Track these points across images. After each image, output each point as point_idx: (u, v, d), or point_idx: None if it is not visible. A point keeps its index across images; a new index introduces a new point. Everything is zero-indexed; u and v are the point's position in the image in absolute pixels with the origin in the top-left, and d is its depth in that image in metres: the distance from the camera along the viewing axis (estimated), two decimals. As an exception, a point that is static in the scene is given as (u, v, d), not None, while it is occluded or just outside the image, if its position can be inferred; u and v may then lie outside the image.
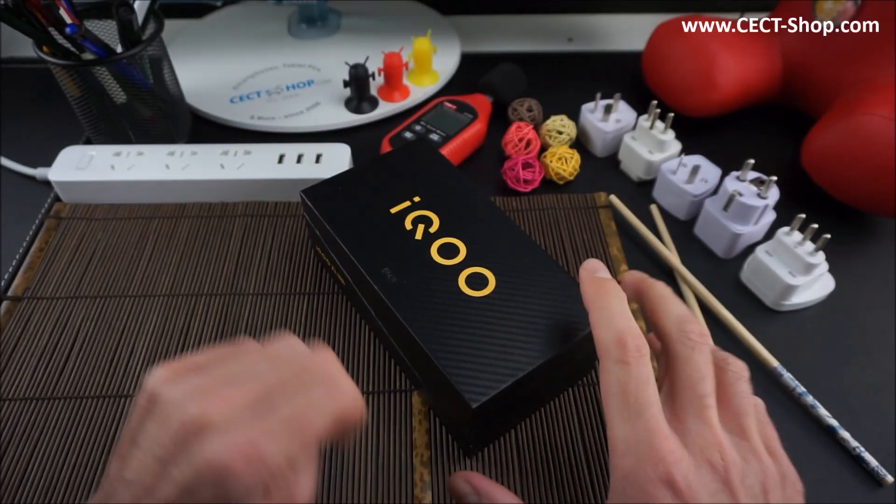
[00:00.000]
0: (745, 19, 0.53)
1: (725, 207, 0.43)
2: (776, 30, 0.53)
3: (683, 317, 0.26)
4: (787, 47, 0.52)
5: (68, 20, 0.43)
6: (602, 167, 0.52)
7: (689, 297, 0.42)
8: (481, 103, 0.53)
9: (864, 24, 0.47)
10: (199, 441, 0.19)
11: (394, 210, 0.36)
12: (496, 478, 0.33)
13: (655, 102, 0.48)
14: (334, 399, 0.22)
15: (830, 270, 0.41)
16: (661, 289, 0.28)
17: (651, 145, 0.49)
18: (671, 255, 0.43)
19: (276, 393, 0.21)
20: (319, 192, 0.38)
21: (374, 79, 0.55)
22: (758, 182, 0.42)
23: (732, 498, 0.22)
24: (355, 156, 0.49)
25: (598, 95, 0.52)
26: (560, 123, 0.51)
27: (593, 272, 0.28)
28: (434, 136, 0.49)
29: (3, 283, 0.41)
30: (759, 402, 0.27)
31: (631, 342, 0.24)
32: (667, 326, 0.26)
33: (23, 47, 0.61)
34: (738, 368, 0.26)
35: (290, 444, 0.20)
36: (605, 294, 0.26)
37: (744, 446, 0.24)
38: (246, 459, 0.19)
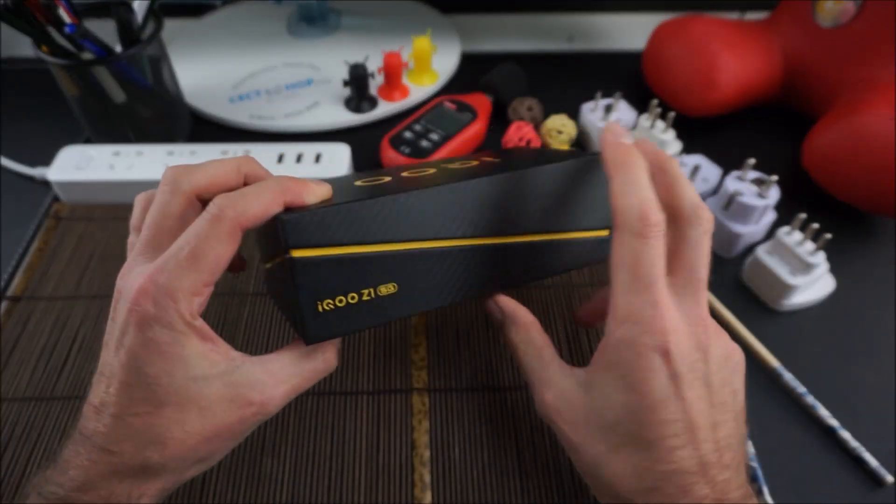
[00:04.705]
0: (746, 19, 0.53)
1: (726, 207, 0.43)
2: (776, 30, 0.52)
3: (698, 201, 0.26)
4: (787, 47, 0.52)
5: (67, 20, 0.43)
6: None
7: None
8: (481, 103, 0.53)
9: (865, 24, 0.47)
10: (118, 302, 0.24)
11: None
12: (495, 478, 0.33)
13: (656, 102, 0.48)
14: (220, 224, 0.24)
15: (831, 270, 0.41)
16: (677, 167, 0.27)
17: (651, 145, 0.49)
18: (671, 255, 0.43)
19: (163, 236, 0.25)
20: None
21: (373, 78, 0.55)
22: (758, 182, 0.42)
23: (706, 366, 0.24)
24: (355, 155, 0.49)
25: (599, 95, 0.52)
26: (560, 123, 0.51)
27: (617, 136, 0.27)
28: (434, 136, 0.49)
29: (2, 283, 0.41)
30: None
31: (653, 217, 0.24)
32: (683, 207, 0.26)
33: (23, 47, 0.61)
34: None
35: (185, 272, 0.23)
36: (629, 161, 0.26)
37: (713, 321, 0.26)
38: (144, 294, 0.23)
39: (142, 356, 0.23)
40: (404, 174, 0.32)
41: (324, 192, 0.26)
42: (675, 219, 0.26)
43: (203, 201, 0.26)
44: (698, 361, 0.24)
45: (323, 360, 0.28)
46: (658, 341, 0.23)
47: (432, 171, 0.33)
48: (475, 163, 0.34)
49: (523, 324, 0.30)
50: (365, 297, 0.26)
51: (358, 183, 0.30)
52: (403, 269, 0.27)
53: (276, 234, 0.25)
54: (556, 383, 0.27)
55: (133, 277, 0.24)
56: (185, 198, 0.25)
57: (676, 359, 0.23)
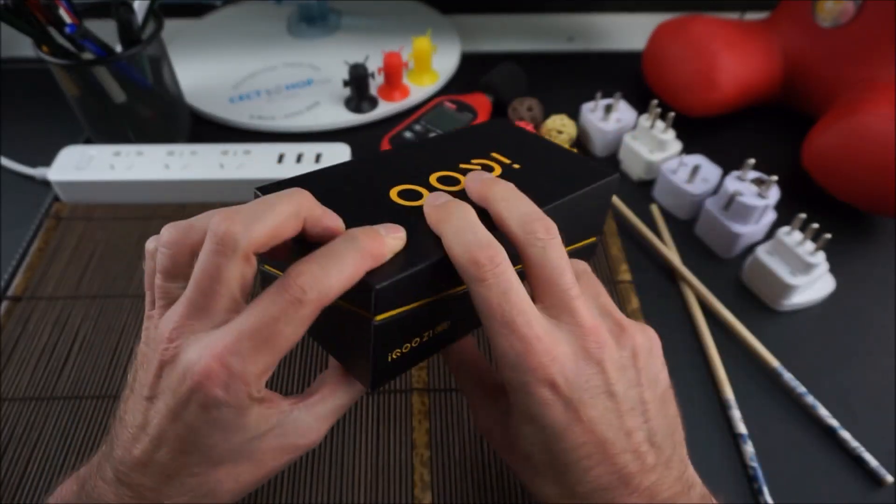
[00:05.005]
0: (746, 19, 0.53)
1: (726, 207, 0.43)
2: (776, 30, 0.52)
3: (527, 215, 0.25)
4: (787, 47, 0.52)
5: (68, 20, 0.43)
6: (602, 167, 0.52)
7: (690, 297, 0.41)
8: (481, 103, 0.53)
9: (864, 24, 0.47)
10: (173, 369, 0.22)
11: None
12: (495, 478, 0.33)
13: (656, 102, 0.48)
14: (295, 302, 0.21)
15: (831, 270, 0.41)
16: (501, 190, 0.26)
17: (651, 145, 0.49)
18: (672, 255, 0.43)
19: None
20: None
21: (373, 78, 0.55)
22: (758, 182, 0.42)
23: (605, 377, 0.23)
24: (355, 155, 0.49)
25: (599, 95, 0.52)
26: (560, 123, 0.51)
27: (433, 204, 0.26)
28: (434, 136, 0.49)
29: (3, 283, 0.41)
30: (587, 266, 0.28)
31: (481, 257, 0.23)
32: (513, 230, 0.25)
33: (23, 47, 0.61)
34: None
35: (259, 356, 0.21)
36: (446, 216, 0.25)
37: (608, 321, 0.25)
38: (212, 378, 0.21)
39: (203, 431, 0.22)
40: (433, 179, 0.30)
41: (399, 244, 0.24)
42: (513, 243, 0.25)
43: (257, 254, 0.24)
44: (594, 376, 0.23)
45: (357, 390, 0.27)
46: (540, 375, 0.22)
47: (462, 181, 0.30)
48: (496, 173, 0.32)
49: (455, 347, 0.29)
50: (425, 339, 0.27)
51: (395, 198, 0.28)
52: (456, 307, 0.27)
53: (357, 295, 0.23)
54: (484, 410, 0.27)
55: (193, 350, 0.21)
56: (244, 258, 0.22)
57: (564, 386, 0.22)
